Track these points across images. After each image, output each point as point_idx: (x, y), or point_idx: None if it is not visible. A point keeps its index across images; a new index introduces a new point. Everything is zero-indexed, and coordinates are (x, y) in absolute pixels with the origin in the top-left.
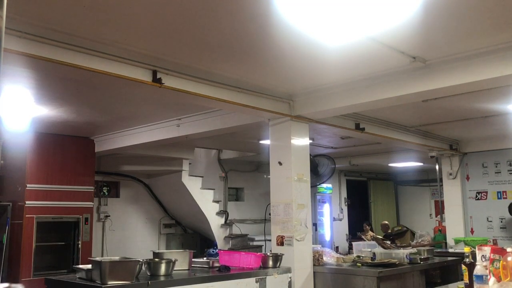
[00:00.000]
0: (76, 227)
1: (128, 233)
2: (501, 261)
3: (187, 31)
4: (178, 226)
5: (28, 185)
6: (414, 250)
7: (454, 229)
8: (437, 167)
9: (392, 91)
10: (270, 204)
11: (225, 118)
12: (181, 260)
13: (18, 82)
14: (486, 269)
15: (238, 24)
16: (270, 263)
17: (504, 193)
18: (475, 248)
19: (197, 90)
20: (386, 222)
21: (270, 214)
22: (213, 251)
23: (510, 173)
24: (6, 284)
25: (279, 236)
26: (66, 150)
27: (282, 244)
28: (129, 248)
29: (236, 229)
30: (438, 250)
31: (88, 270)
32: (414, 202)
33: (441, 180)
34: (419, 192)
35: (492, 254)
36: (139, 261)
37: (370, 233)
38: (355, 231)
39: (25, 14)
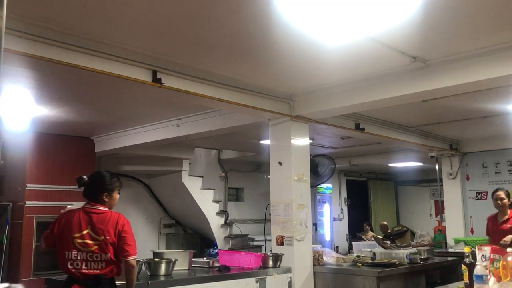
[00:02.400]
0: None
1: None
2: (501, 261)
3: (187, 31)
4: (178, 226)
5: (28, 185)
6: (414, 250)
7: (454, 229)
8: (437, 167)
9: (392, 91)
10: (270, 204)
11: (225, 118)
12: (181, 260)
13: (18, 82)
14: (486, 269)
15: (238, 24)
16: (270, 263)
17: None
18: (475, 248)
19: (197, 90)
20: (385, 222)
21: (270, 214)
22: (213, 251)
23: (510, 173)
24: (6, 284)
25: (279, 236)
26: (66, 150)
27: (282, 244)
28: None
29: (236, 229)
30: (438, 250)
31: None
32: (414, 202)
33: (441, 180)
34: (419, 192)
35: (492, 254)
36: (139, 261)
37: (370, 233)
38: (355, 231)
39: (25, 14)
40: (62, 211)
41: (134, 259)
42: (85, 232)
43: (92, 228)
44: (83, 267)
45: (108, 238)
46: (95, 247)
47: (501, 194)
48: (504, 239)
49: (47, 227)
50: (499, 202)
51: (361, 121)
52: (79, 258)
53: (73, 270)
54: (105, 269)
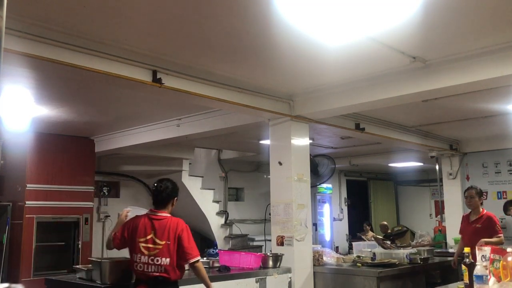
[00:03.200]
0: (76, 227)
1: None
2: (501, 261)
3: (187, 31)
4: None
5: (28, 185)
6: (414, 250)
7: (454, 229)
8: (437, 167)
9: (392, 91)
10: (270, 204)
11: (225, 118)
12: None
13: (18, 82)
14: (486, 269)
15: (238, 24)
16: (270, 263)
17: (504, 193)
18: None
19: (197, 90)
20: (385, 222)
21: (270, 214)
22: (213, 251)
23: (510, 173)
24: (6, 284)
25: (279, 236)
26: (66, 150)
27: (282, 244)
28: None
29: (236, 229)
30: (438, 250)
31: (88, 270)
32: (414, 202)
33: (441, 180)
34: (419, 192)
35: (492, 254)
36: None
37: (370, 233)
38: (355, 231)
39: (25, 14)
40: (120, 212)
41: (198, 260)
42: (149, 237)
43: (155, 234)
44: (145, 269)
45: (169, 243)
46: (157, 251)
47: (472, 192)
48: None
49: (116, 230)
50: (469, 200)
51: (361, 121)
52: (142, 260)
53: (138, 271)
54: (165, 273)
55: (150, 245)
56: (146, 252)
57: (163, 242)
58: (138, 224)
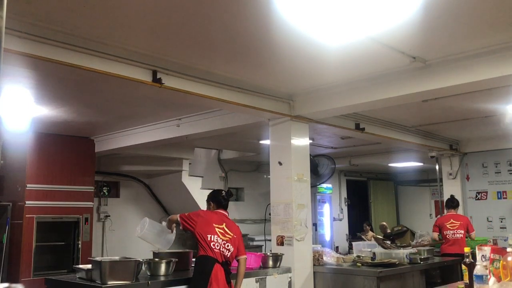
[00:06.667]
0: (76, 227)
1: (128, 233)
2: (501, 261)
3: (187, 31)
4: (178, 226)
5: (28, 185)
6: (414, 250)
7: None
8: (437, 167)
9: (392, 91)
10: (270, 204)
11: (225, 118)
12: (181, 260)
13: (18, 82)
14: (486, 269)
15: (238, 24)
16: (270, 263)
17: (504, 193)
18: (475, 248)
19: (197, 90)
20: (384, 223)
21: (270, 214)
22: None
23: (510, 173)
24: (6, 284)
25: (279, 236)
26: (66, 150)
27: (282, 244)
28: (129, 248)
29: None
30: (438, 250)
31: (88, 270)
32: (414, 202)
33: (441, 180)
34: (419, 192)
35: (492, 254)
36: (139, 261)
37: (370, 233)
38: (355, 231)
39: (25, 14)
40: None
41: (245, 258)
42: (223, 225)
43: (227, 226)
44: (221, 248)
45: (236, 236)
46: (228, 238)
47: None
48: None
49: (186, 213)
50: None
51: (361, 121)
52: (219, 241)
53: (215, 249)
54: (230, 257)
55: (224, 232)
56: (221, 236)
57: (232, 234)
58: (212, 216)
